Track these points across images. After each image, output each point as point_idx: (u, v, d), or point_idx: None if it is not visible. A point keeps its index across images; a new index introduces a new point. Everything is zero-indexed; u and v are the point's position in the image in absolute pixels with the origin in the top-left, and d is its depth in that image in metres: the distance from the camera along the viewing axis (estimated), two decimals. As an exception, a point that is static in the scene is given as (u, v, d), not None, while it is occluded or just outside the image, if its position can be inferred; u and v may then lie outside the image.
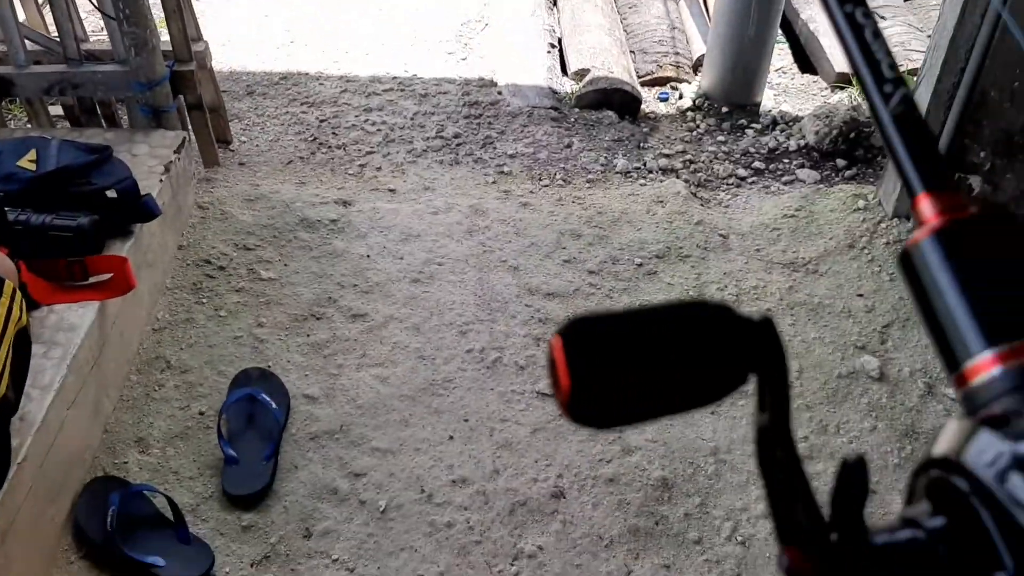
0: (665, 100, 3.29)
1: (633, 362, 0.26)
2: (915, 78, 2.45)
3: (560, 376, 0.26)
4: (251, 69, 3.24)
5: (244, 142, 2.87)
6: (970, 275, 0.29)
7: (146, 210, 2.06)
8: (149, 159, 2.32)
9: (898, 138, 0.32)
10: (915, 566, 0.24)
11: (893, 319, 2.34)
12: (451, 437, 1.98)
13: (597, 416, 0.27)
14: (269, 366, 2.08)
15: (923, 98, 2.36)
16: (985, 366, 0.28)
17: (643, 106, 3.18)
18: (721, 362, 0.27)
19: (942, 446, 0.26)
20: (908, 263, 0.31)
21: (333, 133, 2.92)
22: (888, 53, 0.33)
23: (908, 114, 0.32)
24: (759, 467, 0.26)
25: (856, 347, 2.26)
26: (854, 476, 0.24)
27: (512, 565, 1.77)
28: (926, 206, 0.31)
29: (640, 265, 2.48)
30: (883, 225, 2.59)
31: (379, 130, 2.94)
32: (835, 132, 2.94)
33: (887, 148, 0.33)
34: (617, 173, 2.85)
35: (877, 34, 0.33)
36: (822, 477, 1.95)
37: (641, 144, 3.00)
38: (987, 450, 0.24)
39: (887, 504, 1.94)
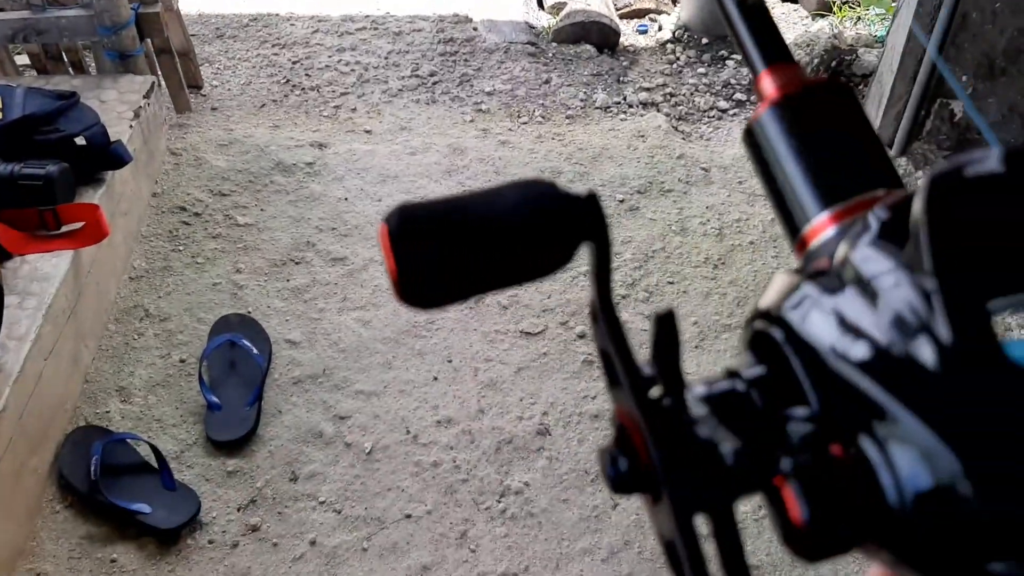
0: (644, 32, 3.23)
1: (457, 243, 0.27)
2: (894, 2, 2.41)
3: (387, 261, 0.27)
4: (220, 11, 3.16)
5: (216, 86, 2.81)
6: (805, 144, 0.30)
7: (116, 157, 2.02)
8: (118, 105, 2.27)
9: (740, 21, 0.33)
10: (731, 413, 0.24)
11: (875, 248, 2.33)
12: (435, 378, 1.98)
13: (428, 296, 0.27)
14: (249, 312, 2.06)
15: (904, 22, 2.33)
16: (821, 227, 0.29)
17: (622, 39, 3.13)
18: (550, 237, 0.28)
19: (765, 300, 0.26)
20: (751, 138, 0.32)
21: (306, 74, 2.86)
22: None
23: None
24: (592, 330, 0.27)
25: (839, 277, 2.26)
26: (666, 329, 0.24)
27: (499, 502, 1.77)
28: (766, 82, 0.32)
29: (622, 201, 2.46)
30: (865, 154, 2.58)
31: (353, 70, 2.88)
32: (816, 61, 2.90)
33: (730, 32, 0.34)
34: (597, 108, 2.82)
35: None
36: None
37: (621, 78, 2.96)
38: (800, 299, 0.25)
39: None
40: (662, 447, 0.23)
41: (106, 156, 2.01)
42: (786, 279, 0.27)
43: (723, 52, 3.10)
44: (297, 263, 2.19)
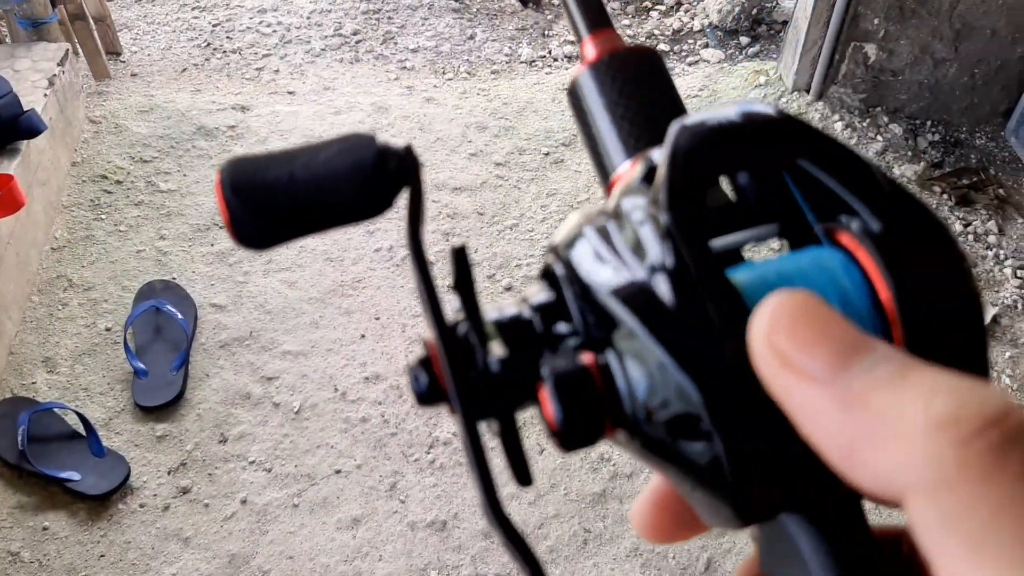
0: (569, -14, 3.23)
1: (282, 190, 0.29)
2: (808, -52, 2.44)
3: (223, 213, 0.29)
4: (137, -26, 3.11)
5: (135, 52, 2.77)
6: (614, 101, 0.33)
7: (29, 126, 1.99)
8: (32, 74, 2.23)
9: None
10: (517, 336, 0.27)
11: (793, 191, 2.39)
12: (363, 336, 2.00)
13: (258, 237, 0.30)
14: (174, 278, 2.06)
15: (815, -32, 2.37)
16: (623, 175, 0.31)
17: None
18: (370, 184, 0.30)
19: (555, 236, 0.29)
20: (572, 96, 0.35)
21: (227, 37, 2.83)
22: None
23: None
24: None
25: (758, 221, 2.31)
26: (460, 262, 0.28)
27: (428, 453, 1.81)
28: (587, 47, 0.35)
29: (547, 154, 2.48)
30: (784, 99, 2.62)
31: (275, 31, 2.85)
32: (737, 9, 2.94)
33: (563, 4, 0.37)
34: (522, 63, 2.83)
35: None
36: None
37: (546, 32, 2.97)
38: (577, 234, 0.28)
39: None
40: (452, 365, 0.27)
41: (18, 126, 1.98)
42: (576, 217, 0.29)
43: (647, 3, 3.12)
44: (221, 227, 2.19)
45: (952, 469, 0.18)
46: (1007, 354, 2.06)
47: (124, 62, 2.71)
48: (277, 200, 0.29)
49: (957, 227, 2.33)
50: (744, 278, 0.25)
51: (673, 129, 0.26)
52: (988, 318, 2.10)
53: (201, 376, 1.90)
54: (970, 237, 2.31)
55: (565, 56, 2.85)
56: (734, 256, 0.27)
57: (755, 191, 0.27)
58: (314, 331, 2.00)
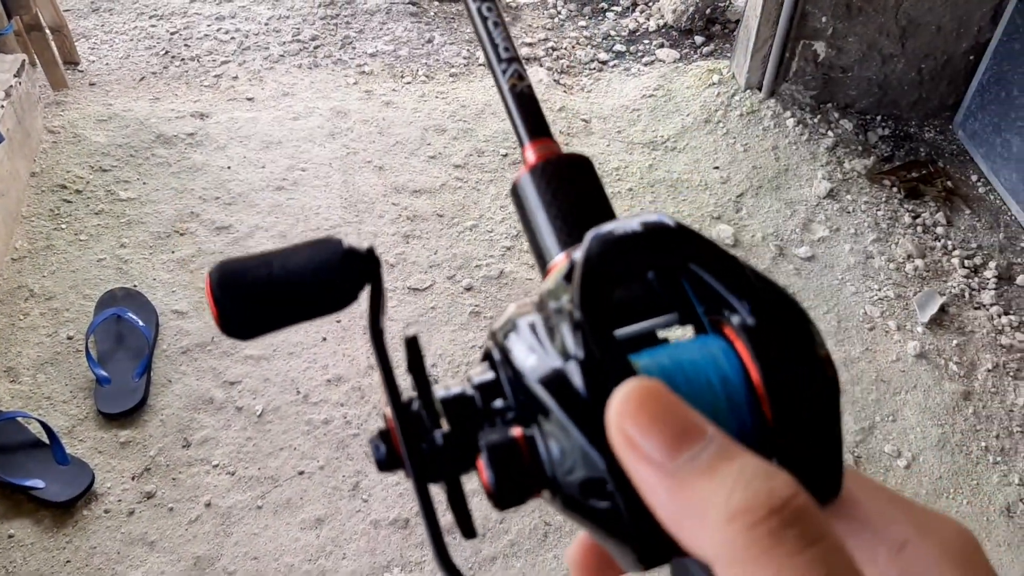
0: (526, -12, 3.27)
1: (261, 289, 0.34)
2: (756, -51, 2.49)
3: (212, 309, 0.34)
4: (94, -17, 3.10)
5: (93, 61, 2.77)
6: (550, 200, 0.38)
7: (-14, 138, 2.00)
8: (-13, 85, 2.24)
9: (513, 103, 0.41)
10: (460, 416, 0.32)
11: (746, 188, 2.44)
12: (324, 339, 2.02)
13: (243, 330, 0.35)
14: (135, 285, 2.07)
15: (763, -32, 2.42)
16: (558, 264, 0.36)
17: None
18: (338, 281, 0.35)
19: (495, 324, 0.34)
20: (515, 195, 0.40)
21: (185, 45, 2.83)
22: (506, 38, 0.42)
23: (517, 84, 0.41)
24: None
25: (713, 217, 2.36)
26: (413, 349, 0.33)
27: (391, 453, 1.83)
28: (528, 152, 0.39)
29: (505, 156, 2.51)
30: (736, 98, 2.67)
31: (233, 38, 2.87)
32: (691, 9, 2.98)
33: (507, 112, 0.41)
34: (480, 65, 2.86)
35: (497, 23, 0.42)
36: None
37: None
38: (511, 323, 0.33)
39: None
40: (406, 437, 0.32)
41: (-25, 137, 1.99)
42: (512, 309, 0.34)
43: (603, 4, 3.16)
44: (182, 234, 2.20)
45: (741, 550, 0.23)
46: (954, 342, 2.12)
47: (82, 72, 2.71)
48: (257, 297, 0.34)
49: (907, 219, 2.39)
50: (644, 362, 0.29)
51: (587, 238, 0.31)
52: (935, 309, 2.15)
53: (164, 382, 1.91)
54: (919, 228, 2.37)
55: (524, 57, 2.88)
56: (650, 338, 0.32)
57: (659, 286, 0.32)
58: (276, 335, 2.01)
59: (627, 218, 0.32)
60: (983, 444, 1.94)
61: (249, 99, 2.63)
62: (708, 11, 3.02)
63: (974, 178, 2.55)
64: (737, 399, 0.29)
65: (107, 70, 2.73)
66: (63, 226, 2.20)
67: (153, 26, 2.90)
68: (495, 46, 0.42)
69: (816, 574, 0.22)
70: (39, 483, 1.71)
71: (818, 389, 0.29)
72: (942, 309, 2.17)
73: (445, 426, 0.32)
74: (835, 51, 2.55)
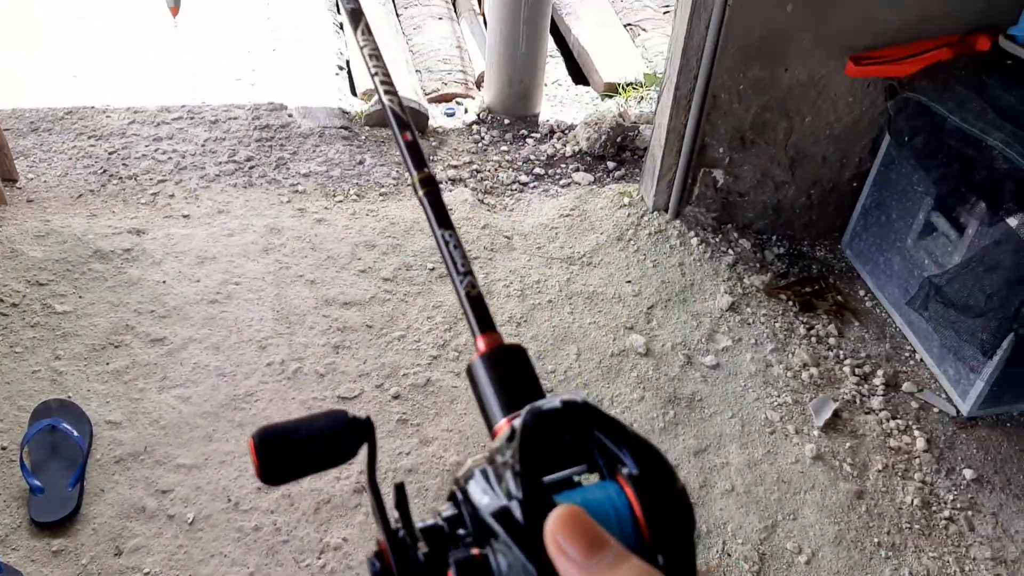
0: (452, 115, 3.49)
1: (293, 451, 0.49)
2: (661, 87, 2.74)
3: (254, 463, 0.48)
4: (34, 105, 3.21)
5: (31, 179, 2.86)
6: (495, 378, 0.53)
7: (-73, 253, 2.07)
8: (-72, 202, 2.31)
9: (467, 305, 0.56)
10: (434, 540, 0.45)
11: (656, 301, 2.62)
12: (256, 446, 2.09)
13: (278, 478, 0.49)
14: (69, 396, 2.13)
15: (667, 104, 2.66)
16: (501, 427, 0.50)
17: (431, 121, 3.37)
18: (345, 441, 0.49)
19: (458, 471, 0.47)
20: (469, 374, 0.54)
21: (124, 164, 2.95)
22: (463, 255, 0.58)
23: (471, 291, 0.56)
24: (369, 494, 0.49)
25: (626, 328, 2.53)
26: (399, 494, 0.47)
27: (319, 559, 1.90)
28: (480, 342, 0.54)
29: (432, 269, 2.66)
30: (645, 218, 2.89)
31: (170, 158, 2.99)
32: (604, 137, 3.22)
33: (463, 310, 0.56)
34: (408, 185, 3.02)
35: (456, 246, 0.58)
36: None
37: (431, 157, 3.19)
38: (470, 472, 0.46)
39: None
40: (396, 555, 0.44)
41: (-84, 253, 2.05)
42: (470, 462, 0.47)
43: (523, 131, 3.39)
44: (116, 346, 2.27)
45: None
46: (847, 444, 2.29)
47: (20, 188, 2.80)
48: (287, 454, 0.49)
49: (801, 330, 2.59)
50: (565, 500, 0.43)
51: (524, 412, 0.45)
52: (829, 414, 2.33)
53: (97, 491, 1.96)
54: (813, 339, 2.57)
55: (449, 179, 3.07)
56: (568, 482, 0.45)
57: (576, 444, 0.46)
58: (208, 444, 2.09)
59: (552, 396, 0.47)
60: (876, 540, 2.10)
61: (185, 216, 2.74)
62: (619, 139, 3.26)
63: (862, 293, 2.78)
64: (626, 525, 0.42)
65: (45, 187, 2.82)
66: (-2, 339, 2.26)
67: (92, 146, 3.02)
68: (455, 262, 0.57)
69: None
70: (-33, 594, 1.73)
71: (678, 515, 0.43)
72: (835, 414, 2.35)
73: (423, 548, 0.44)
74: (732, 178, 2.79)
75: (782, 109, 2.64)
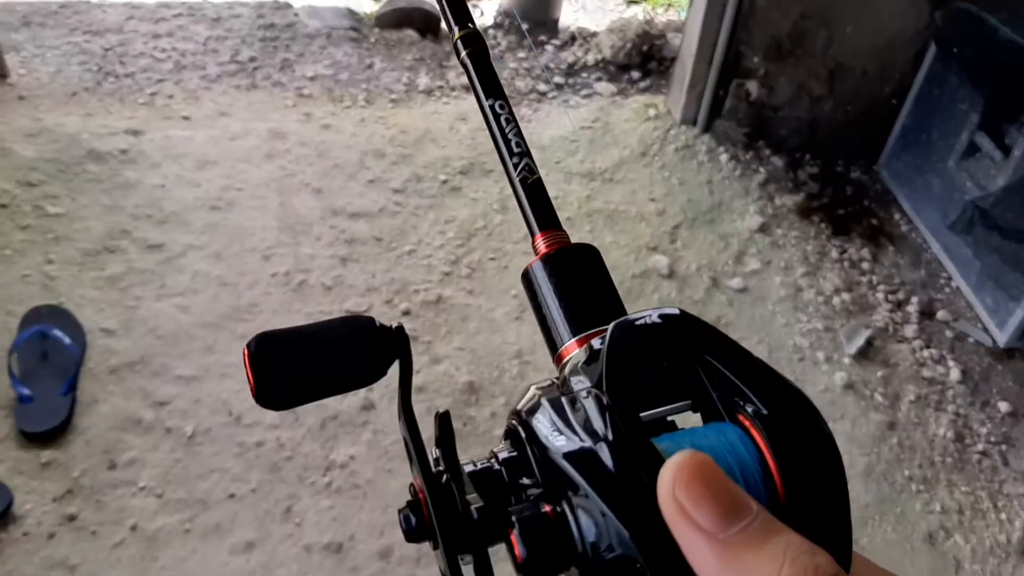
0: (467, 19, 3.30)
1: (301, 365, 0.36)
2: (693, -11, 2.56)
3: (249, 378, 0.35)
4: (26, -2, 3.04)
5: (23, 75, 2.70)
6: (561, 287, 0.41)
7: (-92, 146, 1.93)
8: (-90, 93, 2.17)
9: (524, 195, 0.44)
10: (489, 486, 0.34)
11: (682, 220, 2.49)
12: (258, 360, 1.98)
13: (278, 400, 0.36)
14: (62, 303, 2.01)
15: (700, 8, 2.48)
16: (570, 349, 0.39)
17: (444, 24, 3.19)
18: (369, 357, 0.37)
19: (519, 404, 0.36)
20: (526, 280, 0.42)
21: (120, 62, 2.79)
22: (517, 133, 0.45)
23: (528, 177, 0.44)
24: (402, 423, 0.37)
25: (648, 248, 2.40)
26: (444, 424, 0.35)
27: (324, 476, 1.81)
28: (539, 242, 0.42)
29: (444, 181, 2.52)
30: (672, 132, 2.73)
31: (170, 57, 2.83)
32: (629, 45, 3.05)
33: (518, 203, 0.44)
34: (420, 92, 2.87)
35: (509, 120, 0.45)
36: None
37: (443, 63, 3.02)
38: (535, 405, 0.35)
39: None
40: (437, 508, 0.33)
41: None
42: (533, 390, 0.36)
43: (542, 37, 3.21)
44: (112, 252, 2.15)
45: None
46: (879, 373, 2.18)
47: (11, 85, 2.64)
48: (293, 371, 0.36)
49: (834, 254, 2.46)
50: (666, 446, 0.31)
51: (610, 328, 0.34)
52: (861, 341, 2.22)
53: (90, 402, 1.86)
54: (846, 264, 2.44)
55: (462, 86, 2.91)
56: (663, 424, 0.34)
57: (676, 373, 0.34)
58: (208, 355, 1.98)
59: (646, 310, 0.35)
60: (907, 473, 2.00)
61: (185, 117, 2.59)
62: (645, 48, 3.08)
63: (897, 217, 2.64)
64: (753, 482, 0.31)
65: (38, 84, 2.67)
66: (-14, 240, 2.13)
67: (87, 42, 2.85)
68: (507, 141, 0.45)
69: None
70: (-47, 505, 1.64)
71: (827, 477, 0.32)
72: (868, 342, 2.23)
73: (474, 500, 0.34)
74: (767, 90, 2.63)
75: (823, 17, 2.47)
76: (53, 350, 1.90)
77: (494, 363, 2.07)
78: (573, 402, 0.33)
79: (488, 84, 0.47)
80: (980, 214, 2.29)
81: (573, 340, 0.39)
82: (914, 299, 2.38)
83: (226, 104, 2.67)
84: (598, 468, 0.30)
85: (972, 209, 2.31)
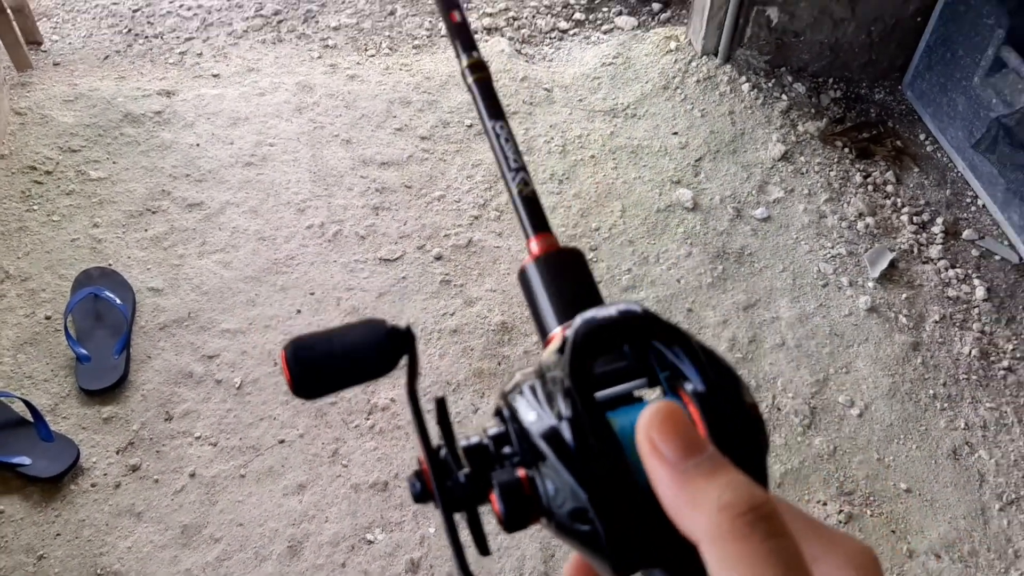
0: (486, -43, 3.30)
1: (328, 363, 0.44)
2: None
3: (286, 376, 0.43)
4: (52, -39, 3.09)
5: (56, 41, 2.78)
6: (550, 285, 0.48)
7: (-45, 122, 2.02)
8: (-48, 69, 2.25)
9: (520, 204, 0.50)
10: (478, 460, 0.41)
11: (704, 153, 2.51)
12: (299, 311, 2.08)
13: (312, 392, 0.44)
14: (110, 264, 2.11)
15: (716, -63, 2.47)
16: (555, 336, 0.46)
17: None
18: (384, 353, 0.44)
19: (505, 386, 0.43)
20: (522, 278, 0.49)
21: (148, 23, 2.84)
22: (515, 150, 0.52)
23: (524, 188, 0.50)
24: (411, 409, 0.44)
25: (672, 182, 2.43)
26: (440, 409, 0.42)
27: (368, 419, 1.91)
28: (532, 244, 0.49)
29: (470, 126, 2.56)
30: (693, 64, 2.74)
31: (196, 15, 2.88)
32: (648, -24, 3.03)
33: (515, 209, 0.51)
34: (442, 37, 2.89)
35: (508, 139, 0.52)
36: (647, 302, 2.13)
37: (465, 4, 3.03)
38: (517, 386, 0.42)
39: (703, 319, 2.15)
40: (436, 477, 0.41)
41: (-56, 123, 2.01)
42: (518, 375, 0.43)
43: (562, -28, 3.20)
44: (154, 212, 2.24)
45: (725, 532, 0.32)
46: (903, 295, 2.21)
47: (46, 52, 2.72)
48: (322, 368, 0.44)
49: (858, 178, 2.48)
50: (618, 419, 0.39)
51: (575, 321, 0.40)
52: (885, 264, 2.25)
53: (143, 358, 1.97)
54: (869, 188, 2.46)
55: (484, 28, 2.93)
56: (627, 398, 0.41)
57: (632, 357, 0.41)
58: (251, 309, 2.07)
59: (607, 306, 0.42)
60: (931, 392, 2.05)
61: (215, 75, 2.65)
62: (665, -23, 3.07)
63: (922, 137, 2.64)
64: None
65: (70, 49, 2.74)
66: (35, 207, 2.23)
67: (115, 4, 2.91)
68: (506, 158, 0.52)
69: (776, 556, 0.31)
70: (25, 460, 1.76)
71: (749, 435, 0.39)
72: (892, 264, 2.27)
73: (466, 468, 0.41)
74: (788, 16, 2.62)
75: (842, -62, 2.44)
76: (105, 311, 2.00)
77: (525, 303, 2.14)
78: (545, 385, 0.40)
79: (491, 107, 0.54)
80: (1005, 131, 2.28)
81: (558, 328, 0.46)
82: (939, 219, 2.39)
83: (253, 60, 2.73)
84: (560, 441, 0.37)
85: (997, 126, 2.30)
